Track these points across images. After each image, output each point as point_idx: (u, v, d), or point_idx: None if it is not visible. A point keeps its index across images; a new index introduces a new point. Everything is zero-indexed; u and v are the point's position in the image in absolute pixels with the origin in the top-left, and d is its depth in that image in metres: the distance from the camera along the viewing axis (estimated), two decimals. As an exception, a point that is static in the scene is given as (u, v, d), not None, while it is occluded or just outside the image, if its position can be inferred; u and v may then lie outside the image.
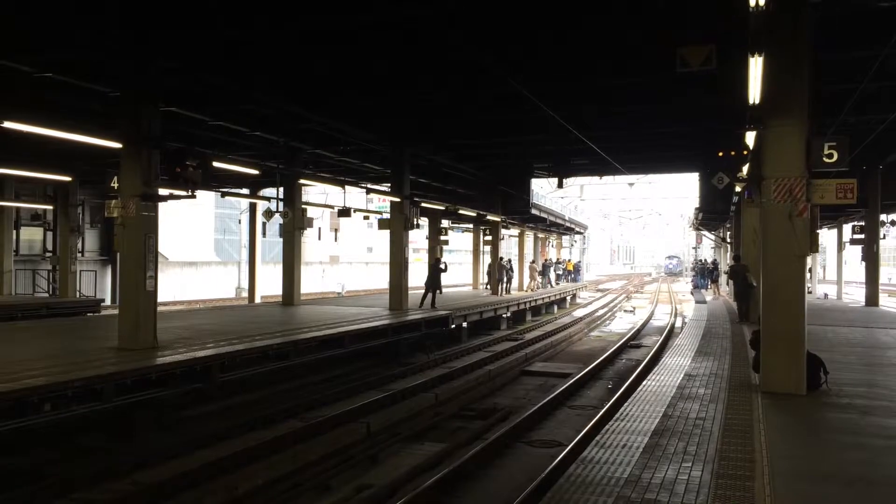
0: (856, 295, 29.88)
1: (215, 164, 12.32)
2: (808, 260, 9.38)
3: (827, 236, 36.26)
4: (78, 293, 24.06)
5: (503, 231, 29.96)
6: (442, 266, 20.69)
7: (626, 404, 7.92)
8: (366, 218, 27.78)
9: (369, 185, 22.51)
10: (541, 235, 40.64)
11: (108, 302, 26.33)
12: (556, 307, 33.07)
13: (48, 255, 25.84)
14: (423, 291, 20.28)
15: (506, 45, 10.85)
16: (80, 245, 25.37)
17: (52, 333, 13.06)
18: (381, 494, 7.53)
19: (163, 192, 11.27)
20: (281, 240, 20.92)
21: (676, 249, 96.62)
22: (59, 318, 18.40)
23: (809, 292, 19.98)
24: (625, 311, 35.64)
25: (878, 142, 16.26)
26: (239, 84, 12.55)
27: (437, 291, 20.10)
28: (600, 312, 32.97)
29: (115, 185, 11.30)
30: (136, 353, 10.30)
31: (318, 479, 8.09)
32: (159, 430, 9.69)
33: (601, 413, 11.17)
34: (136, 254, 10.73)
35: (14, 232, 24.12)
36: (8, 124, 9.63)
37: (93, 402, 8.49)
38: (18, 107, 11.94)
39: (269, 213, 19.33)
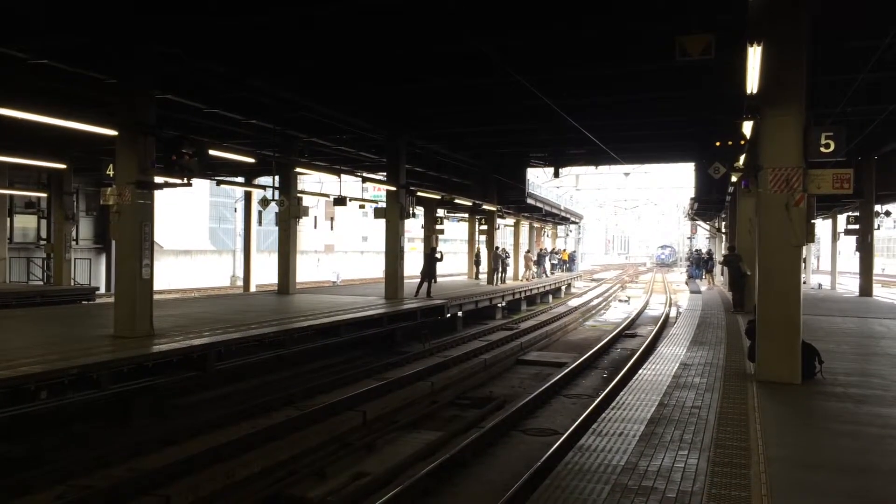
0: (850, 285, 30.01)
1: (211, 151, 12.27)
2: (803, 250, 9.41)
3: (821, 227, 36.36)
4: (72, 281, 24.02)
5: (499, 220, 29.97)
6: (437, 255, 20.70)
7: (621, 393, 7.96)
8: (361, 207, 27.84)
9: (365, 174, 22.45)
10: (536, 225, 40.65)
11: (102, 290, 26.29)
12: (551, 297, 33.14)
13: (42, 242, 25.77)
14: (418, 280, 20.29)
15: (503, 34, 10.82)
16: (74, 233, 25.28)
17: (47, 321, 13.04)
18: (378, 482, 7.56)
19: (158, 179, 11.24)
20: (276, 228, 20.91)
21: (671, 239, 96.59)
22: (54, 305, 18.37)
23: (804, 282, 20.04)
24: (619, 300, 35.73)
25: (874, 132, 16.28)
26: (234, 71, 12.49)
27: (433, 280, 20.12)
28: (595, 302, 33.05)
29: (111, 173, 11.28)
30: (133, 340, 10.30)
31: (315, 466, 8.11)
32: (156, 418, 9.72)
33: (597, 401, 11.22)
34: (131, 242, 10.71)
35: (8, 219, 24.05)
36: (2, 111, 9.59)
37: (90, 390, 8.49)
38: (13, 93, 11.90)
39: (264, 202, 19.29)
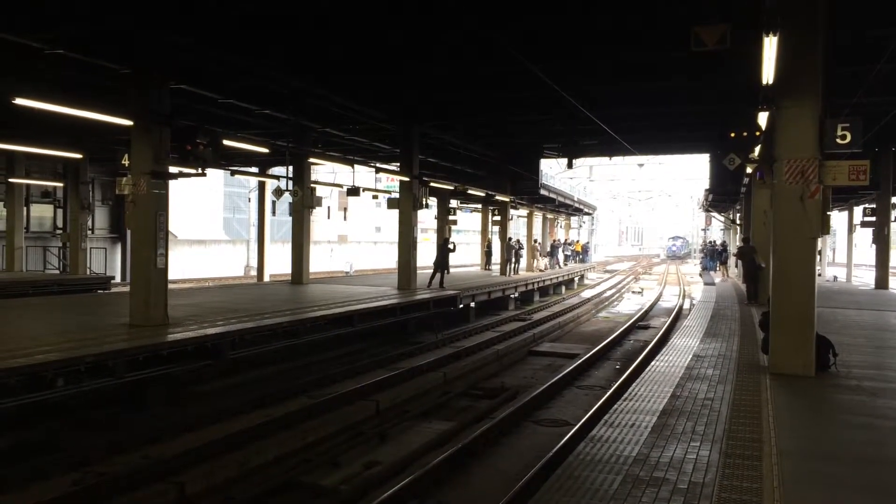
0: (865, 278, 29.79)
1: (225, 142, 12.33)
2: (818, 242, 9.36)
3: (837, 219, 36.07)
4: (88, 270, 24.20)
5: (512, 211, 29.90)
6: (450, 246, 20.73)
7: (634, 384, 7.95)
8: (374, 197, 27.78)
9: (378, 165, 22.48)
10: (549, 216, 40.55)
11: (118, 279, 26.47)
12: (563, 288, 33.08)
13: (58, 232, 25.97)
14: (430, 271, 20.33)
15: (517, 24, 10.78)
16: (90, 222, 25.46)
17: (63, 310, 13.16)
18: (390, 471, 7.61)
19: (173, 169, 11.29)
20: (290, 218, 20.96)
21: (684, 230, 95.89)
22: (70, 294, 18.53)
23: (819, 275, 19.87)
24: (633, 292, 35.62)
25: (891, 123, 16.11)
26: (249, 60, 12.50)
27: (445, 271, 20.14)
28: (608, 293, 32.97)
29: (126, 163, 11.34)
30: (148, 329, 10.39)
31: (328, 454, 8.18)
32: (171, 406, 9.81)
33: (609, 392, 11.22)
34: (146, 231, 10.79)
35: (25, 209, 24.22)
36: (19, 101, 9.66)
37: (105, 378, 8.58)
38: (30, 83, 11.97)
39: (278, 192, 19.35)
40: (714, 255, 40.58)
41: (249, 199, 38.35)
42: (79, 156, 20.21)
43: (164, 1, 9.88)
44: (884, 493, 4.73)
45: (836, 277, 30.32)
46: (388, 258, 45.86)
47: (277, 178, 21.13)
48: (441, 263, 20.08)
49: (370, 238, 59.15)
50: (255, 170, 25.06)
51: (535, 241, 34.53)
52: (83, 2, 9.84)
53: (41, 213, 26.10)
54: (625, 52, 12.14)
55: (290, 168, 19.64)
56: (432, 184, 20.50)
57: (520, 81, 13.74)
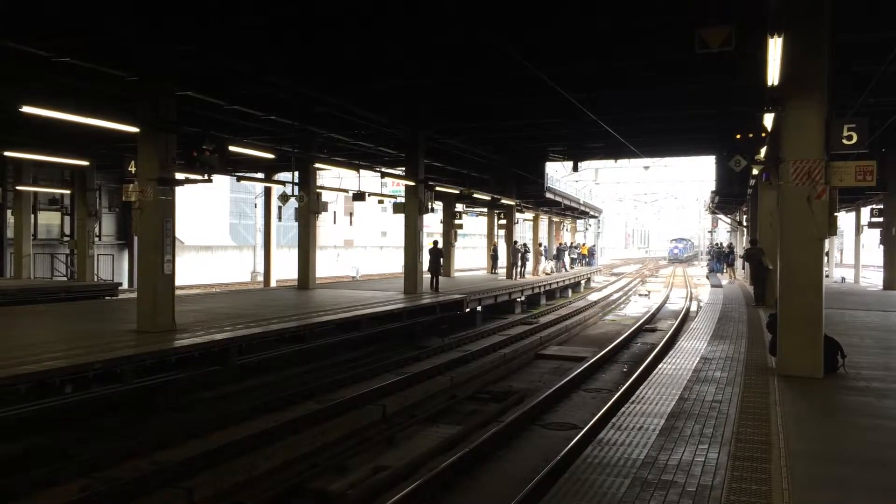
0: (873, 279, 29.65)
1: (231, 148, 12.37)
2: (826, 243, 9.32)
3: (844, 219, 35.95)
4: (96, 277, 24.27)
5: (518, 215, 29.85)
6: (439, 246, 21.01)
7: (641, 387, 7.93)
8: (380, 202, 27.83)
9: (384, 169, 22.48)
10: (555, 219, 40.50)
11: (125, 286, 26.54)
12: (570, 291, 33.01)
13: (66, 239, 26.07)
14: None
15: (521, 28, 10.78)
16: (97, 229, 25.55)
17: (71, 316, 13.21)
18: (398, 475, 7.60)
19: (179, 176, 11.33)
20: (296, 224, 21.01)
21: (691, 233, 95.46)
22: (78, 301, 18.58)
23: (826, 276, 19.78)
24: (639, 294, 35.56)
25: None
26: (254, 68, 12.54)
27: (438, 275, 20.35)
28: (615, 296, 32.91)
29: (133, 170, 11.40)
30: (155, 335, 10.42)
31: (336, 459, 8.17)
32: (178, 412, 9.82)
33: (617, 396, 11.19)
34: (153, 238, 10.82)
35: (32, 216, 24.32)
36: (26, 109, 9.72)
37: (113, 384, 8.61)
38: (36, 92, 12.05)
39: (284, 198, 19.39)
40: (721, 257, 40.47)
41: (255, 204, 38.50)
42: (86, 163, 20.32)
43: (169, 9, 9.91)
44: (893, 495, 4.71)
45: (843, 279, 30.20)
46: (394, 262, 45.88)
47: (283, 183, 21.18)
48: (434, 268, 20.22)
49: (376, 243, 59.23)
50: (260, 175, 25.13)
51: (541, 244, 34.44)
52: (89, 10, 9.90)
53: (48, 220, 26.21)
54: (628, 56, 12.13)
55: (296, 173, 19.69)
56: (438, 188, 20.53)
57: (525, 86, 13.75)
